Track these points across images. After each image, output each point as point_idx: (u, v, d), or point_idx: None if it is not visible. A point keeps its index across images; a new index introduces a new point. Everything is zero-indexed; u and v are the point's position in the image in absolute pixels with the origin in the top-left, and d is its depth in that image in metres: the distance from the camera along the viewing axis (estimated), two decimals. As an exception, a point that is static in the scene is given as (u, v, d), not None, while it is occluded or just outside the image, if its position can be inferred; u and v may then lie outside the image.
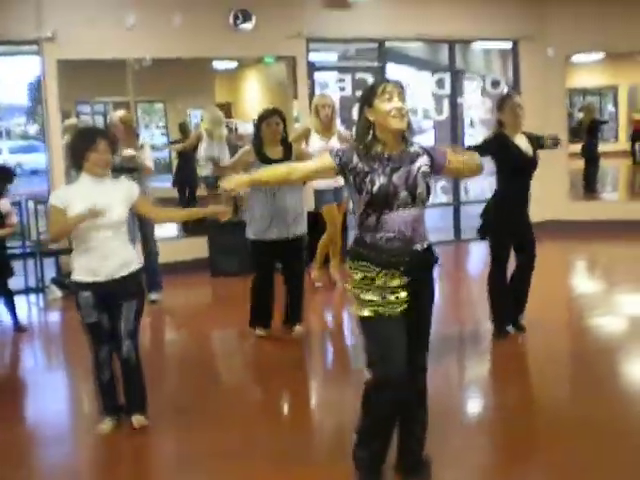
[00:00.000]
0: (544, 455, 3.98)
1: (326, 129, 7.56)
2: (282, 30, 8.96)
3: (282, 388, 5.28)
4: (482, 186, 9.94)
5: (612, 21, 9.97)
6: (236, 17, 8.75)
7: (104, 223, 4.21)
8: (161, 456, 4.39)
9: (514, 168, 5.54)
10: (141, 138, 7.65)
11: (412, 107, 10.04)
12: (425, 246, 3.46)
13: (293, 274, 6.18)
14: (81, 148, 4.24)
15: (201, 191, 10.21)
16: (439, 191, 10.29)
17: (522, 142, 5.61)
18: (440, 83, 10.20)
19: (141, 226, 7.21)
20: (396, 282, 3.38)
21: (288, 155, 5.97)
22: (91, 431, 4.48)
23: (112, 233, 4.27)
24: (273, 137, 5.94)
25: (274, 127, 5.92)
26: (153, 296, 7.38)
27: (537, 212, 9.33)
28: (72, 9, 8.13)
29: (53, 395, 5.38)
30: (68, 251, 7.77)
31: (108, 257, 4.24)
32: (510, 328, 5.88)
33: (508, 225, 5.66)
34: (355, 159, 3.39)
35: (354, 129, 3.62)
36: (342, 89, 9.55)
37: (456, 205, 10.44)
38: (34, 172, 17.44)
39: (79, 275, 4.29)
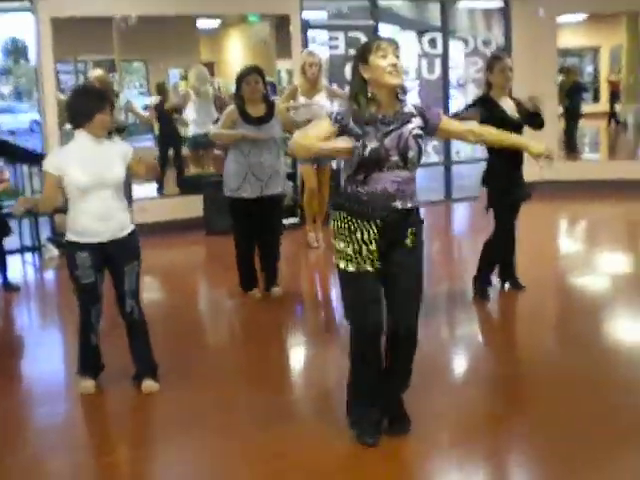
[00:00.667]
0: (529, 410, 4.13)
1: (312, 87, 7.61)
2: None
3: (267, 348, 5.30)
4: (473, 146, 9.99)
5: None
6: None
7: (104, 183, 4.23)
8: (145, 415, 4.42)
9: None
10: (122, 97, 7.64)
11: (404, 66, 10.06)
12: (408, 206, 3.50)
13: (267, 233, 6.13)
14: (89, 107, 4.22)
15: (184, 151, 10.09)
16: (430, 151, 10.33)
17: (508, 105, 5.61)
18: (432, 43, 10.20)
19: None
20: (371, 235, 3.47)
21: (270, 112, 5.96)
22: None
23: (111, 193, 4.29)
24: (252, 95, 5.90)
25: (253, 85, 5.88)
26: None
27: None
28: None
29: (49, 353, 5.46)
30: (63, 210, 7.95)
31: (108, 218, 4.26)
32: (506, 286, 6.04)
33: (504, 187, 5.69)
34: (351, 122, 3.43)
35: (347, 88, 3.65)
36: (335, 47, 9.53)
37: (447, 165, 10.50)
38: (12, 132, 17.25)
39: (76, 235, 4.28)
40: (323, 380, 4.76)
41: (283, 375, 4.97)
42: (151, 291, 6.77)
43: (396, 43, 3.45)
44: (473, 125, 3.80)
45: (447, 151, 10.46)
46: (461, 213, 10.26)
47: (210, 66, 10.94)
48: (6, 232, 6.97)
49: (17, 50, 25.77)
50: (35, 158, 6.59)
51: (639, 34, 15.28)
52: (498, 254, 5.90)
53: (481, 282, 5.92)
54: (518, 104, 5.69)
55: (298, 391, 4.72)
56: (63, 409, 4.46)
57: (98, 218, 4.25)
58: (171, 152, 9.70)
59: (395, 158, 3.43)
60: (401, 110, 3.48)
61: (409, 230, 3.53)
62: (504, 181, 5.66)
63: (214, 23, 10.69)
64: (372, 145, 3.39)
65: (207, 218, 8.70)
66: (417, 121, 3.50)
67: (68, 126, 5.01)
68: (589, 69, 19.93)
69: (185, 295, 6.80)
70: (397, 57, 3.42)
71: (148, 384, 4.48)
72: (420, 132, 3.50)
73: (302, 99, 7.62)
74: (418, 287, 3.61)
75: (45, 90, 8.22)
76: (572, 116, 12.52)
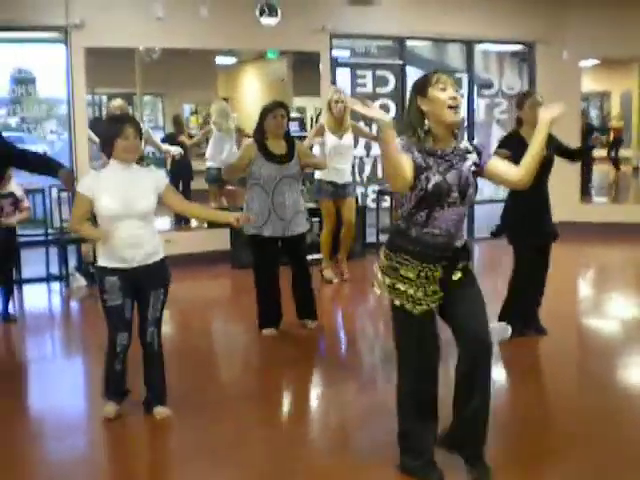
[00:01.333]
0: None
1: (339, 124, 7.61)
2: (306, 24, 9.04)
3: (284, 383, 5.29)
4: (497, 186, 9.99)
5: (627, 26, 10.11)
6: (262, 10, 8.76)
7: (133, 213, 4.24)
8: (159, 445, 4.38)
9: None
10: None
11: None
12: (463, 242, 3.50)
13: (298, 270, 6.13)
14: (109, 136, 4.26)
15: (197, 184, 9.92)
16: None
17: None
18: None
19: None
20: (435, 275, 3.42)
21: (291, 150, 5.96)
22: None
23: (141, 222, 4.29)
24: (277, 130, 5.89)
25: (279, 120, 5.88)
26: None
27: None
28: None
29: (69, 382, 5.41)
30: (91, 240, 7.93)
31: (137, 246, 4.27)
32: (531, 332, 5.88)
33: (528, 226, 5.62)
34: (416, 153, 3.36)
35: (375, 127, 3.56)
36: (362, 85, 9.58)
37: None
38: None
39: (106, 260, 4.30)
40: (339, 416, 4.70)
41: (303, 409, 4.92)
42: (174, 322, 6.73)
43: (454, 77, 3.42)
44: (516, 171, 3.65)
45: None
46: (486, 252, 10.21)
47: (226, 102, 10.95)
48: (14, 262, 6.97)
49: (25, 80, 26.19)
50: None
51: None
52: (519, 298, 5.74)
53: (515, 319, 5.78)
54: (550, 138, 5.68)
55: (313, 426, 4.66)
56: (82, 441, 4.35)
57: (128, 246, 4.26)
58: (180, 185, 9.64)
59: (455, 195, 3.38)
60: (457, 146, 3.45)
61: (464, 264, 3.51)
62: (526, 220, 5.60)
63: (231, 59, 10.69)
64: (435, 179, 3.34)
65: (234, 251, 8.66)
66: (473, 157, 3.47)
67: (99, 161, 5.02)
68: (592, 113, 20.06)
69: (207, 328, 6.79)
70: (456, 91, 3.38)
71: (160, 410, 4.49)
72: (475, 169, 3.47)
73: (329, 136, 7.63)
74: (480, 301, 3.54)
75: (77, 122, 8.25)
76: (586, 159, 12.56)
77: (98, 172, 4.34)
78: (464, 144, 3.49)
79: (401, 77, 9.85)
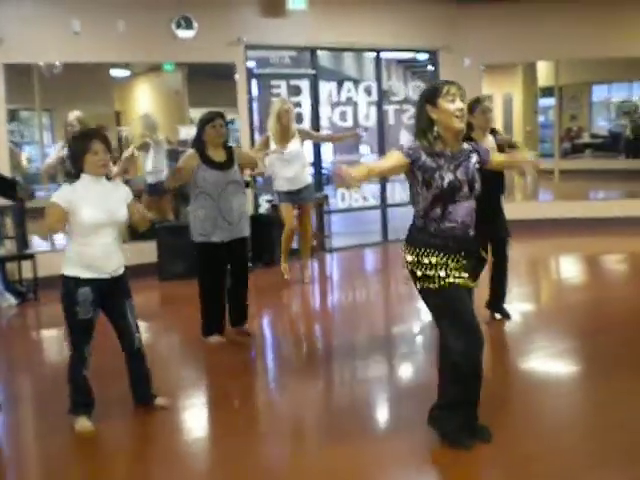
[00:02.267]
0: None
1: (285, 132, 7.81)
2: (222, 37, 9.19)
3: (236, 388, 5.35)
4: (406, 189, 10.38)
5: (524, 33, 10.81)
6: (178, 24, 8.86)
7: (112, 222, 4.36)
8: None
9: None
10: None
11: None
12: (474, 232, 3.89)
13: (240, 274, 6.21)
14: (77, 152, 4.35)
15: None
16: (368, 195, 10.73)
17: (489, 142, 5.99)
18: (367, 90, 10.64)
19: None
20: (457, 264, 3.80)
21: (231, 157, 6.06)
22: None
23: (115, 233, 4.42)
24: (217, 139, 5.98)
25: (218, 129, 5.97)
26: None
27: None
28: (15, 12, 8.08)
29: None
30: (14, 258, 7.82)
31: (111, 255, 4.40)
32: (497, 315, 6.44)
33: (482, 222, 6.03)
34: (423, 156, 3.73)
35: (415, 125, 3.85)
36: (277, 95, 9.77)
37: (383, 208, 10.92)
38: None
39: (77, 271, 4.34)
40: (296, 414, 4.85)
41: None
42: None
43: (462, 88, 3.77)
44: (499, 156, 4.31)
45: (383, 194, 10.89)
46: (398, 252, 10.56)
47: (117, 115, 10.74)
48: None
49: None
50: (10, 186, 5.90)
51: (535, 83, 16.25)
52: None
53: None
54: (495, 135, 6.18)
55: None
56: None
57: (101, 255, 4.35)
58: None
59: (466, 189, 3.79)
60: (462, 147, 3.86)
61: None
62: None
63: (125, 72, 10.39)
64: (449, 177, 3.74)
65: (160, 264, 8.70)
66: (475, 156, 3.87)
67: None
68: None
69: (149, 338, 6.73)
70: (462, 101, 3.72)
71: (162, 400, 4.74)
72: (479, 165, 3.88)
73: (273, 147, 7.82)
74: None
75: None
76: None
77: (73, 186, 4.37)
78: (466, 146, 3.90)
79: (314, 86, 10.11)
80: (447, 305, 3.81)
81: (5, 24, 8.02)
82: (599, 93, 19.54)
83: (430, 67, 11.34)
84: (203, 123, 6.01)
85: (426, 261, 3.77)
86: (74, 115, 7.91)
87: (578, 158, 18.54)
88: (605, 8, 10.66)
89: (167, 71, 10.11)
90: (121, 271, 4.49)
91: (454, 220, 3.78)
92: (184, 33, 8.92)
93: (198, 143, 6.02)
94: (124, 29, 8.58)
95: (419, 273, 3.80)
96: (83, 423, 4.47)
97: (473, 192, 3.82)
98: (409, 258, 3.84)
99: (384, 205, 10.91)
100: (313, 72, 10.11)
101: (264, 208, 9.86)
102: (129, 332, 4.56)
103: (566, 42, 10.86)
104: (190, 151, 6.11)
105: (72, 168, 4.45)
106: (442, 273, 3.76)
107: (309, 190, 8.30)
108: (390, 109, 10.96)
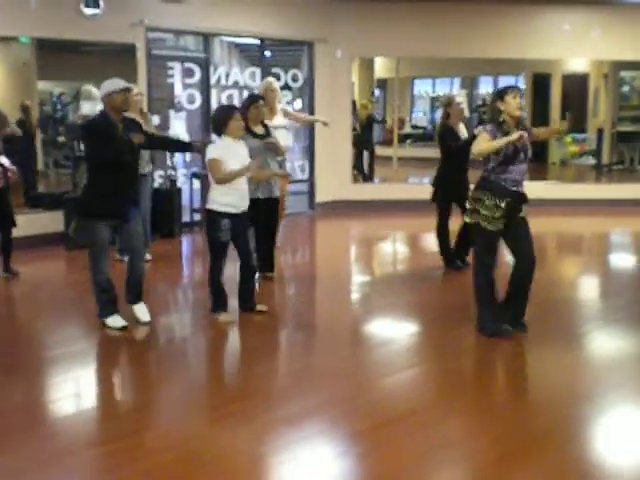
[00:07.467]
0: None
1: (269, 111, 8.24)
2: (125, 18, 9.63)
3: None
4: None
5: (395, 29, 12.00)
6: (87, 3, 9.19)
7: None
8: None
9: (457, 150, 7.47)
10: None
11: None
12: (524, 189, 5.59)
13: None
14: (223, 117, 5.98)
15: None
16: (297, 169, 11.65)
17: (462, 129, 7.73)
18: (252, 76, 11.31)
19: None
20: (504, 206, 5.46)
21: (267, 131, 7.30)
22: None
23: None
24: (257, 117, 7.21)
25: (260, 109, 7.25)
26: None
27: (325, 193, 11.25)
28: None
29: None
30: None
31: (244, 197, 6.05)
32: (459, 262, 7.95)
33: (452, 190, 7.57)
34: (499, 133, 5.44)
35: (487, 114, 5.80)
36: (171, 77, 10.27)
37: (311, 180, 12.07)
38: None
39: (223, 208, 5.95)
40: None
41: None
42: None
43: (521, 89, 5.45)
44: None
45: (311, 169, 12.00)
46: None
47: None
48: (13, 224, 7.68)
49: None
50: (186, 147, 7.29)
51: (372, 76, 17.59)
52: (441, 235, 7.97)
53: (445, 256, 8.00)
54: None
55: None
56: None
57: (239, 197, 6.00)
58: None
59: (522, 155, 5.51)
60: (519, 128, 5.51)
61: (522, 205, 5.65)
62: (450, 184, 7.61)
63: None
64: (512, 147, 5.41)
65: (67, 233, 8.97)
66: (525, 134, 5.39)
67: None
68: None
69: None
70: (521, 99, 5.52)
71: (261, 306, 6.37)
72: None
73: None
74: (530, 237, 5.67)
75: None
76: (365, 145, 14.13)
77: (217, 145, 5.95)
78: (520, 127, 5.55)
79: (206, 69, 10.71)
80: (481, 244, 5.70)
81: None
82: (420, 87, 21.20)
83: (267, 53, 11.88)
84: (249, 102, 7.28)
85: (482, 199, 5.50)
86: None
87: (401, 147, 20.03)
88: (456, 11, 12.05)
89: (20, 44, 10.14)
90: (246, 209, 6.10)
91: (512, 178, 5.48)
92: (91, 11, 9.26)
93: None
94: (35, 6, 8.80)
95: (470, 206, 5.60)
96: (226, 317, 6.13)
97: (526, 157, 5.52)
98: (472, 194, 5.64)
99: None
100: (204, 56, 10.69)
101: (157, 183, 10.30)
102: (247, 251, 6.19)
103: (411, 41, 12.12)
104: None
105: (214, 130, 6.11)
106: (487, 213, 5.48)
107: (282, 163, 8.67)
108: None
